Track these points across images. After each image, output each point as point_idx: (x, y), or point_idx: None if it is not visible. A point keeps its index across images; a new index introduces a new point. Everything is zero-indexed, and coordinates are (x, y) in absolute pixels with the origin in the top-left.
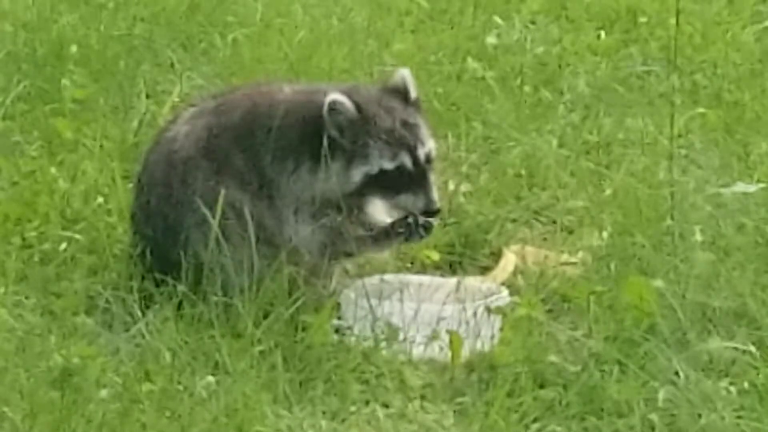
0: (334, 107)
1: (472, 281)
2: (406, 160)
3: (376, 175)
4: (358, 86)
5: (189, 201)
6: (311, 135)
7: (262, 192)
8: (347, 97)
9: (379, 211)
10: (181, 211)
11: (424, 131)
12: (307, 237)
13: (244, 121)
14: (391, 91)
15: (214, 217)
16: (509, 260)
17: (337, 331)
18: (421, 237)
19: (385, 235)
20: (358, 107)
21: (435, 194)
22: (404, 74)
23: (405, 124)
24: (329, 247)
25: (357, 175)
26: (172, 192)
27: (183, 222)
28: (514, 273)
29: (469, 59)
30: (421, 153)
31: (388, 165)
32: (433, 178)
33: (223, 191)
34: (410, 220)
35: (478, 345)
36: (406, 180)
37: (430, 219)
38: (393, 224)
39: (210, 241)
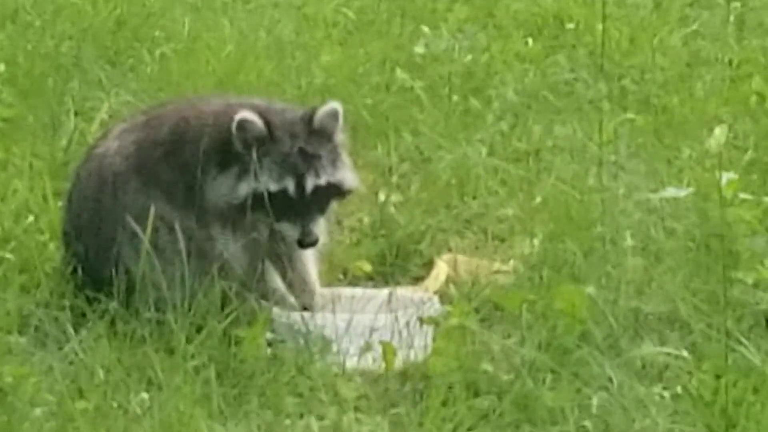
0: (242, 125)
1: (404, 291)
2: (290, 187)
3: (262, 196)
4: (279, 108)
5: (120, 216)
6: (222, 149)
7: (190, 207)
8: (259, 116)
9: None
10: (112, 227)
11: (325, 164)
12: (236, 252)
13: (171, 136)
14: (309, 119)
15: (145, 232)
16: (441, 270)
17: (270, 344)
18: None
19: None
20: (268, 127)
21: (315, 227)
22: (331, 107)
23: (302, 152)
24: (259, 263)
25: (244, 189)
26: (102, 208)
27: (114, 238)
28: (446, 282)
29: (398, 69)
30: (310, 183)
31: (273, 187)
32: (322, 211)
33: (153, 207)
34: None
35: (412, 355)
36: (289, 207)
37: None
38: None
39: (141, 256)
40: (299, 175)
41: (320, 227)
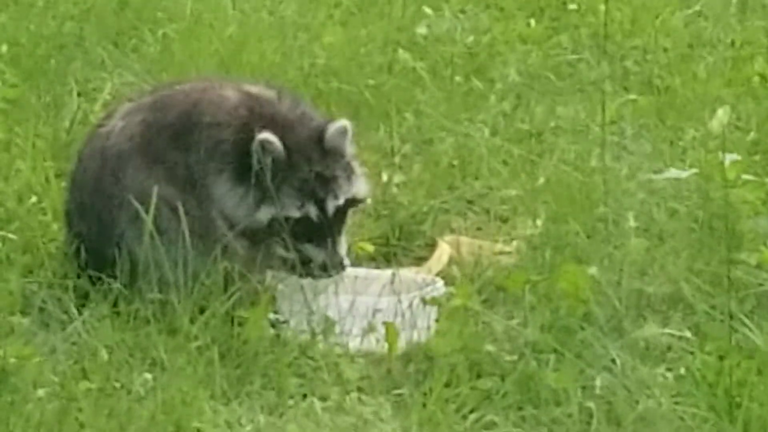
0: (263, 146)
1: (407, 272)
2: (312, 212)
3: (284, 221)
4: (294, 122)
5: (121, 197)
6: (239, 154)
7: (193, 191)
8: (279, 138)
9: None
10: (114, 207)
11: (341, 183)
12: (237, 237)
13: (181, 119)
14: (320, 138)
15: (147, 213)
16: (444, 251)
17: (273, 325)
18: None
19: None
20: (287, 150)
21: (341, 248)
22: (340, 126)
23: (319, 176)
24: (261, 247)
25: (265, 215)
26: (104, 188)
27: (116, 218)
28: (449, 263)
29: (400, 50)
30: (331, 206)
31: (295, 213)
32: (343, 229)
33: (155, 187)
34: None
35: (415, 336)
36: (313, 231)
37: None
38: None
39: (144, 237)
40: (320, 200)
41: (344, 248)
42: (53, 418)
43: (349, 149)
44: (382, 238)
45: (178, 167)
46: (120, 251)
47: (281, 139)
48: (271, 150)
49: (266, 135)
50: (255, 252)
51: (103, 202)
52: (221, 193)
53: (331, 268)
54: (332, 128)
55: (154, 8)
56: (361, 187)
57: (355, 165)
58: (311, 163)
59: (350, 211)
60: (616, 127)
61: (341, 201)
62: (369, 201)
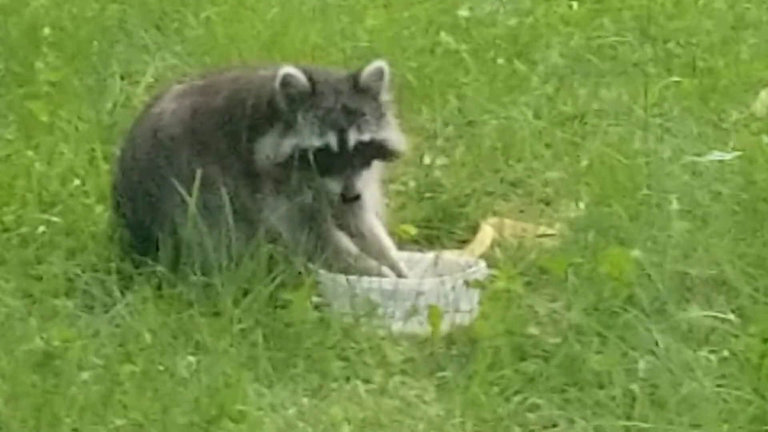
0: (286, 80)
1: (450, 255)
2: (333, 142)
3: (306, 151)
4: (324, 69)
5: (172, 179)
6: (269, 109)
7: (241, 173)
8: (303, 72)
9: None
10: (165, 189)
11: (369, 120)
12: (283, 216)
13: (227, 104)
14: (354, 77)
15: (197, 196)
16: (487, 233)
17: (316, 308)
18: None
19: None
20: (311, 82)
21: (357, 181)
22: (376, 66)
23: (345, 108)
24: (306, 226)
25: (288, 146)
26: (156, 169)
27: (166, 200)
28: (492, 246)
29: (442, 33)
30: (352, 139)
31: (316, 142)
32: (366, 167)
33: (199, 171)
34: None
35: (458, 319)
36: (331, 162)
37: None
38: None
39: (189, 220)
40: (341, 130)
41: (363, 182)
42: (97, 400)
43: (385, 95)
44: (425, 220)
45: (226, 152)
46: (166, 232)
47: (308, 76)
48: (294, 83)
49: (288, 69)
50: (299, 235)
51: (154, 183)
52: (256, 151)
53: (347, 199)
54: (368, 68)
55: None
56: (392, 135)
57: (390, 113)
58: (339, 95)
59: (377, 158)
60: (659, 110)
61: (365, 137)
62: (401, 153)
